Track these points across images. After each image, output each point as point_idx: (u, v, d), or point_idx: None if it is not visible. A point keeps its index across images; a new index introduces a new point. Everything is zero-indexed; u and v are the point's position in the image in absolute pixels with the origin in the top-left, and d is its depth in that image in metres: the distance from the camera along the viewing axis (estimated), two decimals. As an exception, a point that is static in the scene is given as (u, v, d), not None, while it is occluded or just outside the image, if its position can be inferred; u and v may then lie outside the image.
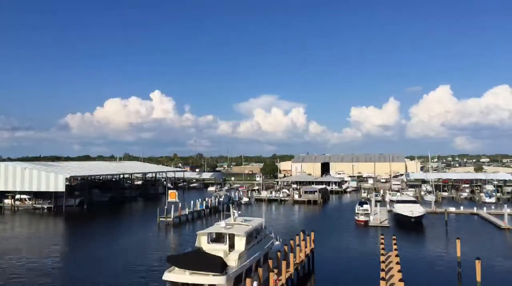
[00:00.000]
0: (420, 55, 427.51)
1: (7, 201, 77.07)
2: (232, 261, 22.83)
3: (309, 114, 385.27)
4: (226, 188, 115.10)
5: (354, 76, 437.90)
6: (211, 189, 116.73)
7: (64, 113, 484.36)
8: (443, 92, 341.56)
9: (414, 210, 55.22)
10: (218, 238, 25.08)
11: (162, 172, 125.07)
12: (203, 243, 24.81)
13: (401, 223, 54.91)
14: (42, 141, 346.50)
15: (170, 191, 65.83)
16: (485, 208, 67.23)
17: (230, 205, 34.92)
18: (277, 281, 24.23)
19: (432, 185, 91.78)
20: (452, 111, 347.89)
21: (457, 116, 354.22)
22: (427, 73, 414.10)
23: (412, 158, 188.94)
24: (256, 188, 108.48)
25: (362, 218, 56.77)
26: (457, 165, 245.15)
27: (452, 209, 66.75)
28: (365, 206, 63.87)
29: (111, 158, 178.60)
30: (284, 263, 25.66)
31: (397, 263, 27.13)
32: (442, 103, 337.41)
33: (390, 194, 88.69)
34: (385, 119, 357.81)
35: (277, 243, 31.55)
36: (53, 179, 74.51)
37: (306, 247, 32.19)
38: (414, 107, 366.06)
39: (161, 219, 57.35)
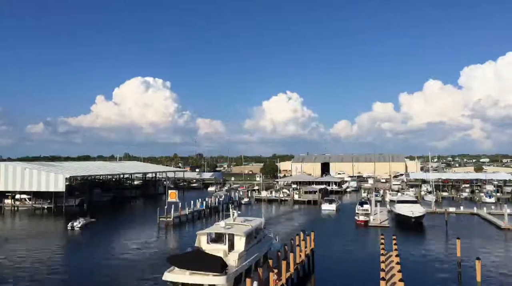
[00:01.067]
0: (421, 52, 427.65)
1: (7, 201, 76.97)
2: (232, 261, 22.85)
3: (312, 114, 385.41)
4: (226, 188, 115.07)
5: (359, 76, 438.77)
6: (211, 189, 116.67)
7: (64, 113, 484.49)
8: (440, 88, 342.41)
9: (414, 210, 55.17)
10: (217, 238, 25.06)
11: (162, 172, 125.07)
12: (202, 243, 24.82)
13: (401, 223, 54.89)
14: (42, 141, 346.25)
15: (170, 191, 65.76)
16: (485, 208, 67.19)
17: (230, 205, 34.91)
18: (277, 281, 24.21)
19: (432, 185, 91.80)
20: (452, 107, 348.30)
21: (458, 112, 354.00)
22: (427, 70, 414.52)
23: (412, 158, 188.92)
24: (256, 188, 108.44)
25: (362, 218, 56.72)
26: (457, 165, 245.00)
27: (452, 209, 66.64)
28: (365, 206, 63.81)
29: (111, 158, 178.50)
30: (284, 263, 25.65)
31: (397, 263, 27.11)
32: (440, 100, 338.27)
33: (390, 194, 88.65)
34: (387, 119, 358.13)
35: (275, 242, 31.52)
36: (53, 179, 74.43)
37: (306, 247, 32.17)
38: (415, 105, 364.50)
39: (161, 219, 57.35)
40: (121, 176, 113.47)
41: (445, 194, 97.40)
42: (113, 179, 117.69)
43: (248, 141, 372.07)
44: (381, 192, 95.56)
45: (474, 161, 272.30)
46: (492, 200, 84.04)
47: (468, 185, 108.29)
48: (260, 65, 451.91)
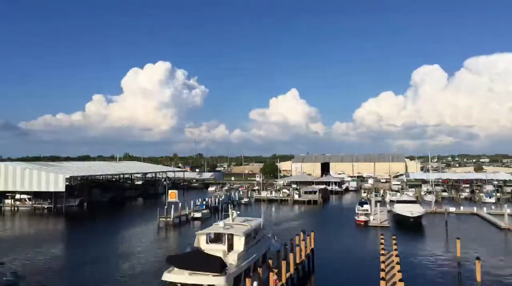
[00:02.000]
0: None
1: (7, 201, 76.96)
2: (231, 261, 22.82)
3: (312, 114, 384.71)
4: (226, 188, 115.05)
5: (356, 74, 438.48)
6: (211, 189, 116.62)
7: (63, 112, 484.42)
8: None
9: (413, 210, 55.14)
10: (217, 238, 25.06)
11: (162, 172, 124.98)
12: (202, 243, 24.80)
13: (401, 223, 54.86)
14: (40, 141, 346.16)
15: (170, 191, 65.70)
16: (485, 208, 67.07)
17: (229, 205, 34.90)
18: (277, 281, 24.19)
19: (432, 185, 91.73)
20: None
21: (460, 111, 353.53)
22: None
23: (412, 158, 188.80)
24: (256, 188, 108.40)
25: (362, 218, 56.67)
26: (457, 165, 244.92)
27: (452, 209, 66.59)
28: (365, 206, 63.73)
29: (111, 158, 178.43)
30: (284, 263, 25.64)
31: (397, 263, 27.05)
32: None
33: (390, 194, 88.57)
34: (387, 119, 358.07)
35: (274, 242, 31.48)
36: (53, 179, 74.38)
37: (306, 247, 32.16)
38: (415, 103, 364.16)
39: (161, 219, 57.32)
40: (121, 176, 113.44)
41: (445, 194, 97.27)
42: (113, 179, 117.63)
43: (248, 141, 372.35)
44: (381, 192, 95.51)
45: (474, 161, 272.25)
46: (492, 200, 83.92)
47: (468, 185, 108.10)
48: (260, 65, 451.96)
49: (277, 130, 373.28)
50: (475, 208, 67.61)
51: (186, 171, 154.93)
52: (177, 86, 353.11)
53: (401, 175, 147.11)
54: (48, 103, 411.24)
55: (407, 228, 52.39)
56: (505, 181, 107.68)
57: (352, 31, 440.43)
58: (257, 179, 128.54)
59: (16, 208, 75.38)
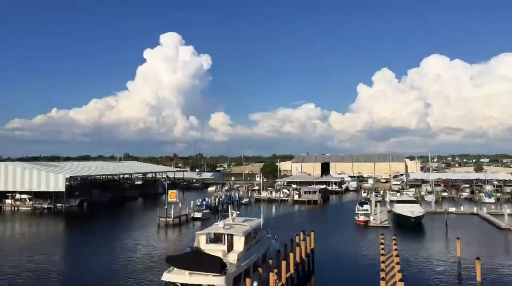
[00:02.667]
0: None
1: (7, 201, 76.99)
2: (231, 261, 22.83)
3: (313, 114, 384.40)
4: (226, 188, 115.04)
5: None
6: (211, 189, 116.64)
7: (62, 111, 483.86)
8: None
9: (414, 210, 55.13)
10: (216, 238, 25.06)
11: (162, 172, 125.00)
12: (202, 243, 24.81)
13: (401, 223, 54.84)
14: (42, 141, 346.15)
15: (170, 191, 65.68)
16: (485, 208, 67.13)
17: (229, 205, 34.90)
18: (277, 281, 24.18)
19: (432, 185, 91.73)
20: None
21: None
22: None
23: (412, 158, 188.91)
24: (256, 188, 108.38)
25: (362, 218, 56.66)
26: (457, 165, 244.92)
27: (452, 209, 66.61)
28: (365, 206, 63.74)
29: (111, 158, 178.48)
30: (284, 263, 25.63)
31: (397, 263, 27.04)
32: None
33: (390, 194, 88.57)
34: (387, 118, 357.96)
35: (273, 242, 31.47)
36: (53, 179, 74.40)
37: (306, 247, 32.15)
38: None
39: (161, 219, 57.33)
40: (121, 176, 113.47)
41: (445, 194, 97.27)
42: (113, 179, 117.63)
43: (249, 141, 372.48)
44: (381, 192, 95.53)
45: (474, 161, 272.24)
46: (492, 200, 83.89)
47: (468, 185, 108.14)
48: (260, 66, 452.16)
49: (278, 130, 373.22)
50: (475, 208, 67.64)
51: (186, 171, 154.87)
52: (177, 88, 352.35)
53: (401, 175, 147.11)
54: (47, 102, 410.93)
55: (407, 228, 52.38)
56: (505, 181, 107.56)
57: (350, 30, 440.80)
58: (257, 179, 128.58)
59: (16, 208, 75.39)
